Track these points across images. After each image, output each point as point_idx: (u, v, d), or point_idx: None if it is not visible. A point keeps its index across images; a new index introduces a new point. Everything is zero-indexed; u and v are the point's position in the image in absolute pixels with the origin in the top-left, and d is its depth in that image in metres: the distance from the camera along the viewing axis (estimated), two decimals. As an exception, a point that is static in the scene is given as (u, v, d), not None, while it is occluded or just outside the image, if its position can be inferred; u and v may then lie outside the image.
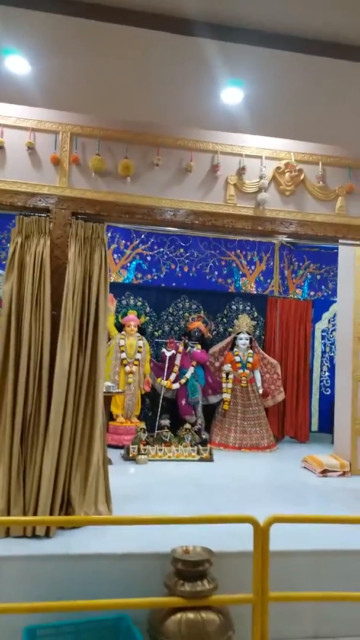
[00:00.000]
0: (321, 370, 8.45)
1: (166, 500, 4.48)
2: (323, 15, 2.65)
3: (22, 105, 3.59)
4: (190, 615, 2.84)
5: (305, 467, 6.09)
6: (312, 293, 8.67)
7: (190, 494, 4.71)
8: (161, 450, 6.29)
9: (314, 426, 8.37)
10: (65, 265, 3.69)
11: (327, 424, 7.94)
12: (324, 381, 8.38)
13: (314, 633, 3.33)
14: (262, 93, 2.93)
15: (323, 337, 8.48)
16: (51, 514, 3.47)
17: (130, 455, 6.11)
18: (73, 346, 3.65)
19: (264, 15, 2.69)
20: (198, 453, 6.34)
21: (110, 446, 6.68)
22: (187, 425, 6.70)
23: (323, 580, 3.36)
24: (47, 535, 3.39)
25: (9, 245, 3.78)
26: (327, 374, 8.36)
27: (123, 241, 7.86)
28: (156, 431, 6.63)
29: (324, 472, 5.73)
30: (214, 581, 2.96)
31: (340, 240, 4.87)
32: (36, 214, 3.71)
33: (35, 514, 3.43)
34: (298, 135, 3.64)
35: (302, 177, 4.10)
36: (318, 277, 8.70)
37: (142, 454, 6.08)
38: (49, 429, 3.50)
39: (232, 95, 2.96)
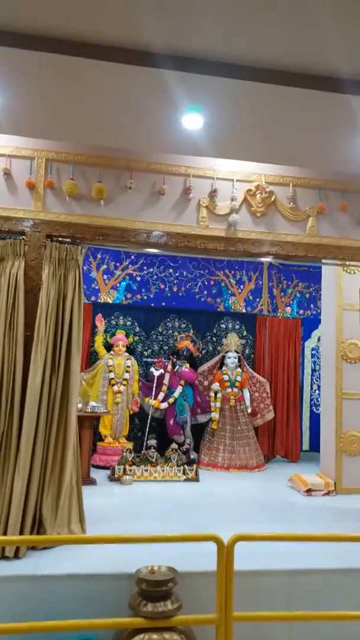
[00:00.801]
0: (311, 388, 8.44)
1: (143, 520, 4.48)
2: (275, 47, 2.77)
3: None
4: (153, 636, 2.83)
5: (291, 487, 6.06)
6: (301, 311, 8.71)
7: (168, 514, 4.70)
8: (147, 470, 6.27)
9: (305, 445, 8.32)
10: (40, 287, 3.77)
11: (318, 443, 7.87)
12: (315, 399, 8.36)
13: (286, 655, 3.29)
14: (220, 119, 3.04)
15: (313, 355, 8.49)
16: (21, 533, 3.48)
17: (116, 475, 6.10)
18: (46, 366, 3.71)
19: (221, 47, 2.81)
20: (184, 473, 6.32)
21: (98, 467, 6.70)
22: (174, 446, 6.69)
23: (295, 600, 3.34)
24: (17, 556, 3.39)
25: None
26: (317, 392, 8.34)
27: (113, 262, 7.97)
28: (142, 451, 6.62)
29: (309, 492, 5.70)
30: (177, 601, 2.94)
31: (323, 260, 4.96)
32: (12, 237, 3.81)
33: (5, 534, 3.43)
34: (256, 158, 3.76)
35: (273, 198, 4.19)
36: (307, 295, 8.75)
37: (127, 475, 6.07)
38: (20, 449, 3.53)
39: (192, 122, 3.07)
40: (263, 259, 5.36)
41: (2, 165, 3.85)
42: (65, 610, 3.06)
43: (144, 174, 4.04)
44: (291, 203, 4.19)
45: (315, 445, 8.07)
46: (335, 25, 2.66)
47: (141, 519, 4.50)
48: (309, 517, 4.74)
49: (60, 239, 3.88)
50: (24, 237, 3.84)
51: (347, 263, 4.89)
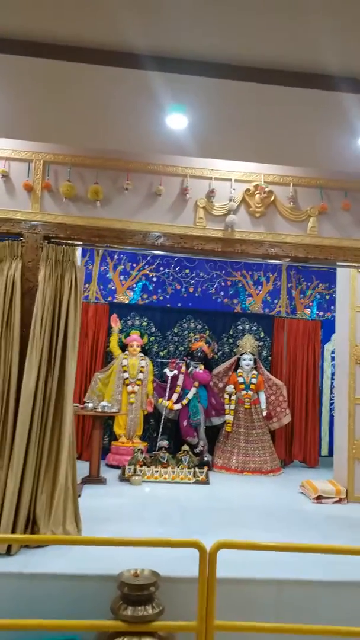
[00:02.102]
0: (331, 392, 8.23)
1: (143, 522, 4.47)
2: (260, 45, 2.71)
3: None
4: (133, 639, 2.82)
5: (302, 493, 5.92)
6: (320, 313, 8.52)
7: (169, 517, 4.67)
8: (157, 471, 6.27)
9: (324, 450, 8.13)
10: (36, 287, 3.82)
11: (337, 448, 7.69)
12: (334, 403, 8.14)
13: (275, 666, 3.20)
14: (204, 118, 3.00)
15: (333, 359, 8.27)
16: (14, 532, 3.53)
17: (126, 475, 6.12)
18: (41, 367, 3.75)
19: (204, 46, 2.77)
20: (194, 475, 6.27)
21: (111, 466, 6.75)
22: (186, 447, 6.65)
23: (284, 611, 3.25)
24: (9, 553, 3.44)
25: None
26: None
27: (129, 263, 8.01)
28: (154, 452, 6.62)
29: (319, 499, 5.55)
30: (159, 606, 2.92)
31: (337, 263, 4.83)
32: (9, 239, 3.88)
33: (-3, 531, 3.49)
34: (246, 157, 3.69)
35: (272, 198, 4.11)
36: (327, 297, 8.54)
37: (136, 475, 6.08)
38: (14, 448, 3.59)
39: (177, 122, 3.04)
40: (261, 261, 5.24)
41: (1, 167, 3.92)
42: (51, 609, 3.09)
43: (141, 174, 4.03)
44: (291, 203, 4.10)
45: (334, 451, 7.86)
46: (324, 21, 2.58)
47: (141, 521, 4.49)
48: (314, 526, 4.61)
49: (57, 240, 3.91)
50: (21, 238, 3.90)
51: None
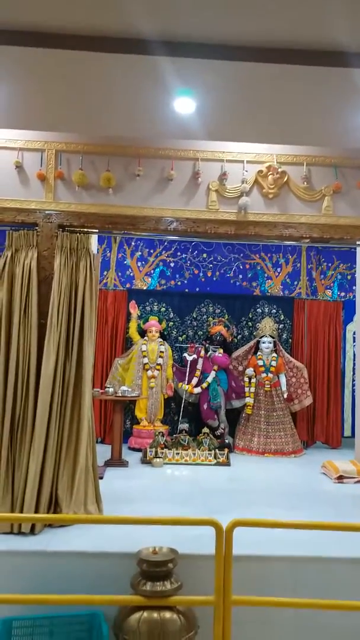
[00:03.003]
0: (353, 373, 8.17)
1: (163, 502, 4.56)
2: (267, 25, 2.68)
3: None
4: (151, 614, 2.91)
5: (323, 473, 5.94)
6: (342, 294, 8.41)
7: (190, 497, 4.76)
8: (178, 453, 6.36)
9: (347, 431, 8.09)
10: (52, 276, 3.89)
11: (360, 429, 7.65)
12: (356, 384, 8.09)
13: (293, 642, 3.28)
14: (213, 101, 2.98)
15: (355, 340, 8.19)
16: (37, 512, 3.66)
17: (147, 458, 6.23)
18: (59, 353, 3.84)
19: (212, 29, 2.76)
20: (215, 457, 6.35)
21: (133, 449, 6.88)
22: (206, 430, 6.73)
23: (302, 588, 3.30)
24: (33, 532, 3.58)
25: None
26: (359, 377, 8.06)
27: (147, 249, 8.04)
28: (175, 435, 6.72)
29: (340, 478, 5.56)
30: (177, 582, 3.00)
31: (357, 242, 4.77)
32: (24, 228, 3.95)
33: (21, 512, 3.63)
34: (259, 139, 3.64)
35: (285, 179, 4.06)
36: (349, 277, 8.42)
37: (158, 457, 6.19)
38: (35, 432, 3.70)
39: (185, 105, 3.03)
40: (278, 242, 5.20)
41: (14, 158, 3.98)
42: (73, 585, 3.20)
43: (152, 160, 4.03)
44: (305, 183, 4.04)
45: (355, 431, 7.83)
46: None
47: (162, 502, 4.59)
48: (334, 505, 4.64)
49: (71, 228, 3.97)
50: (36, 228, 3.96)
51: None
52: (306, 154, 4.05)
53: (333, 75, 2.88)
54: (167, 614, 2.92)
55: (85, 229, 3.99)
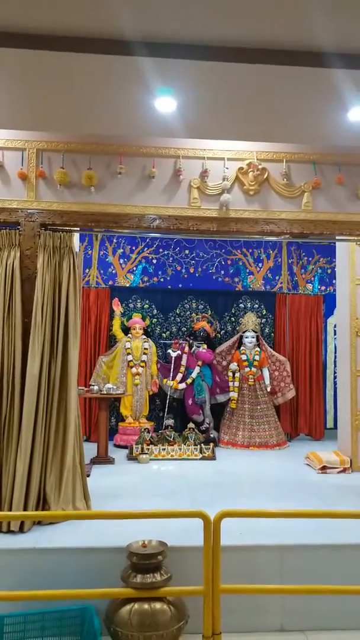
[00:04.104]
0: (335, 365, 8.31)
1: (151, 497, 4.61)
2: (246, 26, 2.71)
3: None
4: (142, 605, 2.96)
5: (307, 464, 6.06)
6: (322, 288, 8.54)
7: (177, 491, 4.82)
8: (164, 449, 6.41)
9: (329, 423, 8.24)
10: (36, 275, 3.89)
11: (341, 421, 7.79)
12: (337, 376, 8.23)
13: (280, 626, 3.36)
14: (193, 100, 3.02)
15: (336, 332, 8.32)
16: (25, 510, 3.67)
17: (134, 454, 6.27)
18: (44, 352, 3.85)
19: (191, 29, 2.78)
20: (201, 452, 6.42)
21: (119, 446, 6.91)
22: (191, 425, 6.79)
23: (288, 576, 3.39)
24: (22, 530, 3.60)
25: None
26: (340, 369, 8.20)
27: (129, 246, 8.05)
28: (160, 431, 6.77)
29: (323, 469, 5.68)
30: (167, 573, 3.06)
31: (337, 237, 4.86)
32: (7, 228, 3.94)
33: (10, 510, 3.64)
34: (232, 136, 3.70)
35: (265, 175, 4.13)
36: (329, 271, 8.55)
37: (144, 454, 6.23)
38: (21, 431, 3.71)
39: (166, 104, 3.06)
40: (260, 238, 5.28)
41: (-5, 158, 3.97)
42: (63, 581, 3.23)
43: (134, 158, 4.06)
44: (285, 179, 4.12)
45: (337, 422, 7.97)
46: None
47: (149, 497, 4.64)
48: (318, 494, 4.74)
49: (53, 227, 3.97)
50: (19, 227, 3.96)
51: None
52: (286, 151, 4.12)
53: (311, 76, 2.93)
54: (158, 605, 2.98)
55: (67, 228, 4.00)
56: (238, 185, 4.14)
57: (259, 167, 4.11)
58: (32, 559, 3.37)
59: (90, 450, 6.20)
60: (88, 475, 5.24)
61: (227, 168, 4.12)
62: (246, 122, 3.36)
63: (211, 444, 6.55)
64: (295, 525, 3.57)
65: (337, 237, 5.01)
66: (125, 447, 6.74)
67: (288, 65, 2.92)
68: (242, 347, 7.51)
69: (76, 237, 5.97)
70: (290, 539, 3.48)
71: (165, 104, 3.07)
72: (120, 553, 3.30)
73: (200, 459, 6.35)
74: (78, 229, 4.07)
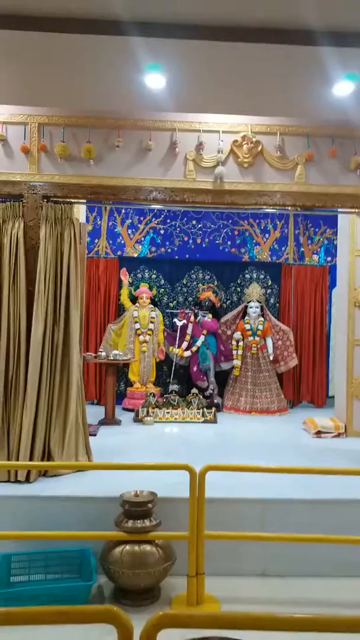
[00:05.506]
0: (338, 335, 8.44)
1: (150, 454, 4.92)
2: (230, 4, 2.81)
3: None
4: (133, 547, 3.28)
5: (304, 429, 6.30)
6: (329, 259, 8.60)
7: (174, 450, 5.11)
8: (168, 412, 6.72)
9: (332, 391, 8.41)
10: (39, 245, 4.11)
11: (343, 389, 7.97)
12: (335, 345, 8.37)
13: (262, 571, 3.66)
14: (181, 76, 3.14)
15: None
16: (31, 462, 4.01)
17: (139, 417, 6.60)
18: (47, 318, 4.11)
19: (179, 10, 2.89)
20: (203, 415, 6.71)
21: (127, 409, 7.25)
22: (195, 390, 7.07)
23: (267, 525, 3.67)
24: (28, 480, 3.94)
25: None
26: (343, 339, 8.33)
27: (137, 217, 8.19)
28: (165, 395, 7.07)
29: (318, 434, 5.92)
30: (156, 520, 3.36)
31: (342, 210, 4.96)
32: (11, 200, 4.15)
33: (17, 462, 3.97)
34: (223, 110, 3.79)
35: (259, 148, 4.23)
36: (335, 242, 8.54)
37: (148, 416, 6.55)
38: (27, 391, 4.01)
39: (155, 80, 3.19)
40: (254, 210, 5.39)
41: (-2, 132, 4.15)
42: (64, 525, 3.56)
43: (131, 131, 4.19)
44: (279, 152, 4.21)
45: (335, 389, 8.16)
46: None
47: (148, 454, 4.95)
48: (308, 456, 4.99)
49: (55, 199, 4.17)
50: (22, 199, 4.16)
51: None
52: (280, 124, 4.19)
53: (297, 53, 3.02)
54: (148, 547, 3.29)
55: (68, 199, 4.19)
56: (232, 157, 4.25)
57: (253, 140, 4.20)
58: (37, 505, 3.71)
59: (99, 412, 6.56)
60: (95, 435, 5.60)
61: (222, 141, 4.22)
62: (234, 98, 3.47)
63: (213, 408, 6.83)
64: (278, 481, 3.85)
65: (338, 210, 5.11)
66: (132, 410, 7.07)
67: (275, 44, 3.02)
68: (246, 317, 7.69)
69: (83, 208, 6.17)
70: (272, 493, 3.75)
71: (155, 81, 3.19)
72: (115, 502, 3.60)
73: (203, 422, 6.64)
74: (77, 200, 4.24)
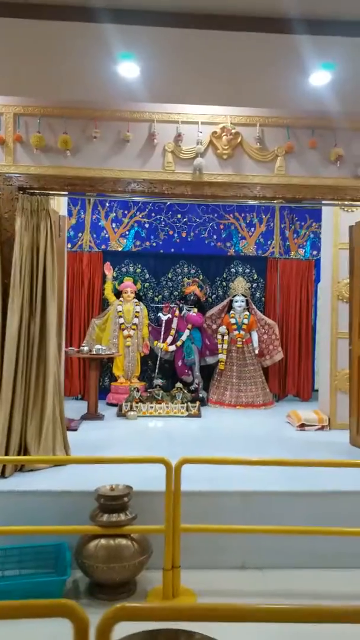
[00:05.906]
0: (324, 329, 8.44)
1: (131, 449, 4.88)
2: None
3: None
4: (108, 541, 3.25)
5: (288, 422, 6.30)
6: (314, 252, 8.59)
7: (156, 444, 5.09)
8: (152, 407, 6.69)
9: (317, 385, 8.44)
10: (14, 237, 4.05)
11: (328, 383, 7.99)
12: (320, 338, 8.38)
13: (242, 564, 3.65)
14: (155, 65, 3.09)
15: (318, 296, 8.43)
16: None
17: (123, 412, 6.56)
18: (23, 311, 4.05)
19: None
20: (187, 410, 6.69)
21: (111, 404, 7.21)
22: (179, 385, 7.05)
23: (247, 517, 3.65)
24: (3, 475, 3.89)
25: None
26: (329, 333, 8.34)
27: (121, 210, 8.13)
28: (149, 390, 7.04)
29: (302, 426, 5.92)
30: (132, 514, 3.33)
31: (323, 202, 4.94)
32: (-14, 192, 4.08)
33: (-8, 457, 3.92)
34: (199, 100, 3.75)
35: (239, 139, 4.19)
36: (321, 235, 8.58)
37: (132, 411, 6.51)
38: (2, 385, 3.96)
39: (129, 70, 3.14)
40: (232, 202, 5.35)
41: (-27, 123, 4.07)
42: (39, 520, 3.52)
43: (109, 122, 4.14)
44: (258, 143, 4.17)
45: (319, 383, 8.18)
46: None
47: (131, 448, 4.91)
48: (290, 448, 4.99)
49: (31, 191, 4.10)
50: (-3, 191, 4.10)
51: (346, 203, 4.79)
52: (259, 115, 4.15)
53: (272, 41, 2.99)
54: (123, 541, 3.25)
55: (45, 191, 4.13)
56: (212, 149, 4.21)
57: (233, 131, 4.16)
58: (13, 500, 3.66)
59: (83, 407, 6.51)
60: (75, 430, 5.56)
61: (200, 132, 4.18)
62: (210, 87, 3.42)
63: (197, 403, 6.81)
64: (260, 474, 3.83)
65: (323, 202, 5.08)
66: (116, 405, 7.03)
67: (250, 32, 2.98)
68: (231, 311, 7.67)
69: (65, 200, 6.10)
70: (253, 486, 3.74)
71: (129, 70, 3.14)
72: (91, 496, 3.56)
73: (187, 416, 6.62)
74: (55, 192, 4.18)
